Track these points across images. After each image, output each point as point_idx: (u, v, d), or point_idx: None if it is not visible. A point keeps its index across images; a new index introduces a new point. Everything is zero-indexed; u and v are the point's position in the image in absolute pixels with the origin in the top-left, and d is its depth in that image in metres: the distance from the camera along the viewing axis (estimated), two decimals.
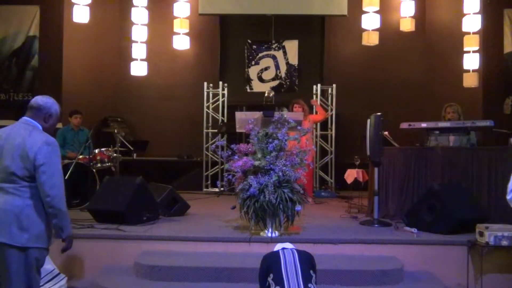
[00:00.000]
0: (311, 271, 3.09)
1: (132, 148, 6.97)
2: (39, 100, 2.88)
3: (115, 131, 6.90)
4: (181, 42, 9.31)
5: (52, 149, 2.75)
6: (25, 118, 2.85)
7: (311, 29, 9.75)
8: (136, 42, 9.20)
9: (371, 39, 8.72)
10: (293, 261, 3.07)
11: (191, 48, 9.49)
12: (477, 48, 8.19)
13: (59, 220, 2.77)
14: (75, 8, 8.16)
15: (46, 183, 2.68)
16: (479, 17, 8.10)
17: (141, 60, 9.25)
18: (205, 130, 8.57)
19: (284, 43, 9.71)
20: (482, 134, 7.13)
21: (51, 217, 2.77)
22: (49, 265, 3.90)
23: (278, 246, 3.30)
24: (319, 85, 8.49)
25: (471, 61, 8.22)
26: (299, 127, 4.69)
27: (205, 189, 8.34)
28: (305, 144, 5.71)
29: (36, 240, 2.74)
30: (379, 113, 5.15)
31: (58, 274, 4.03)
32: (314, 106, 7.49)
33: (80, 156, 6.28)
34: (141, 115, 9.63)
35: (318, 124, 8.15)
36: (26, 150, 2.70)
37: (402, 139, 6.09)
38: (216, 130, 8.43)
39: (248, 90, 9.75)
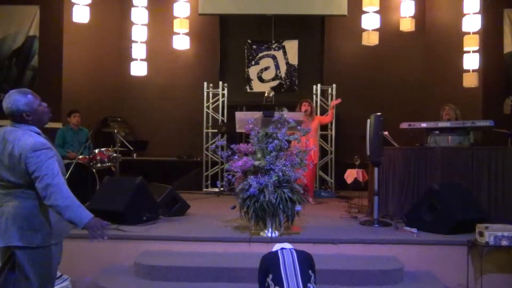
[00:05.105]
0: (310, 271, 3.08)
1: (132, 148, 6.97)
2: (5, 105, 2.76)
3: (115, 131, 6.89)
4: (181, 42, 9.32)
5: (40, 153, 2.67)
6: (12, 122, 2.79)
7: (311, 29, 9.74)
8: (136, 42, 9.20)
9: (371, 39, 8.72)
10: (292, 261, 3.05)
11: (191, 48, 9.49)
12: (477, 48, 8.19)
13: (64, 215, 2.67)
14: (75, 8, 8.17)
15: (39, 187, 2.65)
16: (479, 17, 8.10)
17: (141, 60, 9.26)
18: (205, 130, 8.57)
19: (284, 43, 9.71)
20: (482, 134, 7.13)
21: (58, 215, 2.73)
22: None
23: (276, 246, 3.29)
24: (319, 85, 8.49)
25: (471, 61, 8.21)
26: (299, 127, 4.68)
27: (205, 189, 8.34)
28: (312, 143, 5.74)
29: (50, 238, 2.75)
30: (379, 113, 5.15)
31: (61, 275, 4.02)
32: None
33: (80, 156, 6.28)
34: (141, 115, 9.64)
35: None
36: (16, 158, 2.67)
37: (402, 139, 6.09)
38: (216, 130, 8.43)
39: (248, 90, 9.75)
